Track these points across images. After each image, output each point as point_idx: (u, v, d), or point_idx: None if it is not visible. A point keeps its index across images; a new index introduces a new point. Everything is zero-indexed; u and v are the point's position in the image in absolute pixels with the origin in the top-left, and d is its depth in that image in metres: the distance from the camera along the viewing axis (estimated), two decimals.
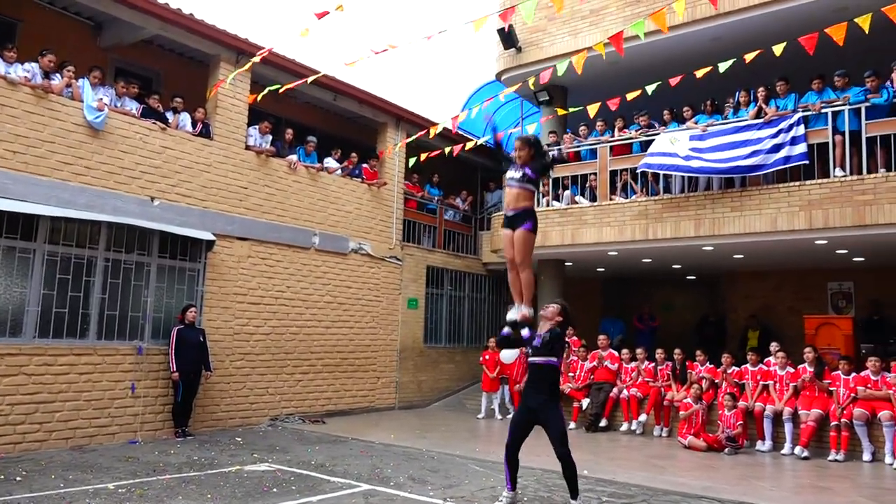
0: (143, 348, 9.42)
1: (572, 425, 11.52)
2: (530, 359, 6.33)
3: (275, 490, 6.68)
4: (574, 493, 6.04)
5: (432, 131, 12.14)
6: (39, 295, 8.50)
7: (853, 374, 9.42)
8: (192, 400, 9.77)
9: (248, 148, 11.18)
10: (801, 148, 9.98)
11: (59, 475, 7.00)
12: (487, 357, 12.89)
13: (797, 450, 9.30)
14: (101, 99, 9.29)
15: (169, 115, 10.28)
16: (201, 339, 9.80)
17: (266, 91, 10.84)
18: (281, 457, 8.42)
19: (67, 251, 8.80)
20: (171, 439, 9.44)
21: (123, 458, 7.97)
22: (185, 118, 10.45)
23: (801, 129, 10.05)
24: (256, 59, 10.08)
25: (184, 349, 9.54)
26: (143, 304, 9.57)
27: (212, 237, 10.27)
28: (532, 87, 12.52)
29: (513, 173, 6.35)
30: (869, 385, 9.22)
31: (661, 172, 11.32)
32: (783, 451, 9.52)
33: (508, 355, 12.42)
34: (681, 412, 10.12)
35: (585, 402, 11.51)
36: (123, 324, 9.32)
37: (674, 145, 11.06)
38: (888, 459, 8.76)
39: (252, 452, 8.65)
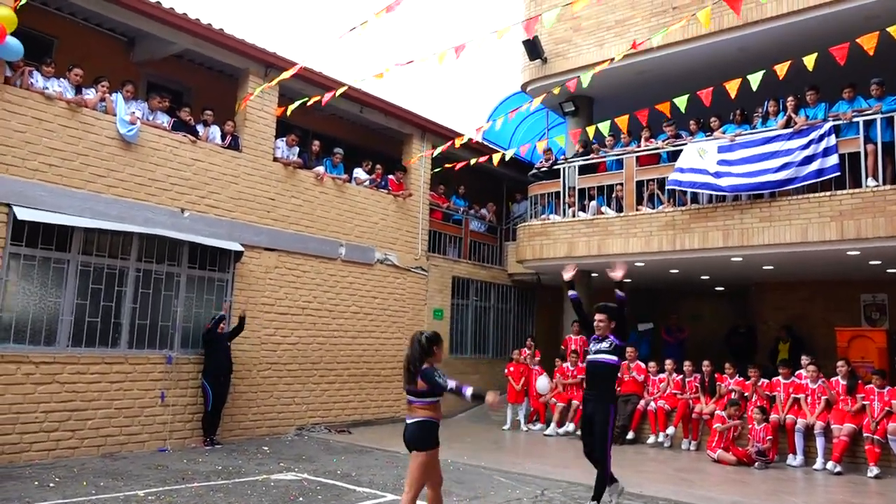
0: (173, 357, 9.56)
1: None
2: (589, 356, 6.67)
3: (301, 499, 6.72)
4: (595, 495, 6.39)
5: (458, 142, 12.22)
6: (73, 305, 8.68)
7: (888, 388, 9.23)
8: (221, 408, 9.88)
9: (275, 160, 11.33)
10: (833, 159, 9.82)
11: (91, 482, 7.12)
12: (512, 369, 12.85)
13: (829, 465, 9.11)
14: (134, 112, 9.50)
15: (199, 128, 10.47)
16: (229, 343, 9.95)
17: (295, 105, 10.99)
18: (307, 466, 8.47)
19: (100, 262, 8.98)
20: (199, 448, 9.55)
21: (153, 466, 8.09)
22: (215, 131, 10.63)
23: (832, 140, 9.89)
24: (287, 75, 10.23)
25: (214, 354, 9.70)
26: (173, 313, 9.72)
27: (240, 248, 10.40)
28: (556, 97, 12.55)
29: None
30: None
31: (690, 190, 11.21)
32: (815, 466, 9.33)
33: (543, 384, 12.62)
34: (716, 424, 9.92)
35: None
36: (154, 333, 9.48)
37: (702, 158, 10.95)
38: None
39: (279, 461, 8.71)
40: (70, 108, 8.82)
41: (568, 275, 7.13)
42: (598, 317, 6.63)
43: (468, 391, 4.88)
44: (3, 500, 6.18)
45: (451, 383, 4.90)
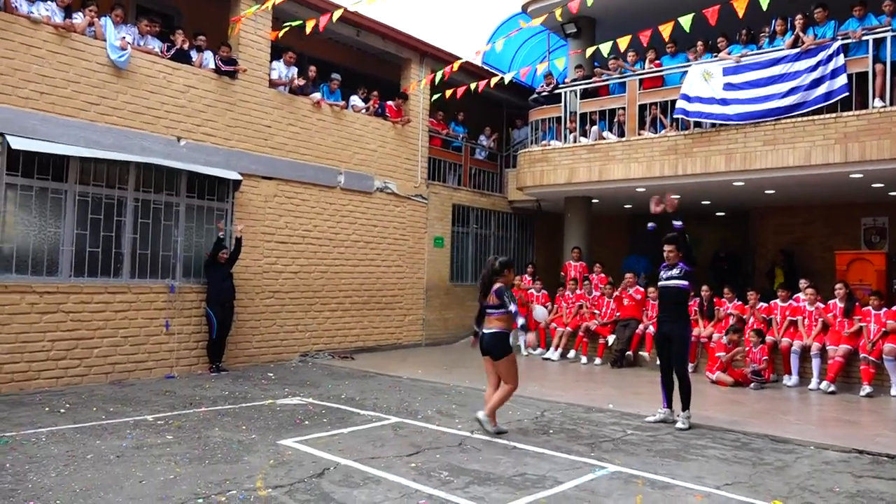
0: (175, 287, 9.62)
1: (598, 361, 11.63)
2: (660, 283, 7.22)
3: (307, 422, 6.87)
4: (684, 406, 7.05)
5: (456, 65, 11.93)
6: (73, 235, 8.67)
7: (884, 309, 9.32)
8: (225, 336, 10.01)
9: (272, 84, 11.09)
10: (841, 80, 9.61)
11: (101, 407, 7.27)
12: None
13: (824, 384, 9.28)
14: (124, 38, 9.24)
15: (192, 54, 10.20)
16: (231, 271, 10.01)
17: (287, 27, 10.67)
18: (312, 391, 8.64)
19: (98, 192, 8.92)
20: (205, 374, 9.72)
21: (161, 392, 8.25)
22: (209, 56, 10.37)
23: (840, 60, 9.66)
24: None
25: (217, 282, 9.77)
26: (174, 243, 9.71)
27: (238, 176, 10.31)
28: (559, 19, 12.20)
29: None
30: None
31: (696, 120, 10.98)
32: (810, 386, 9.52)
33: (541, 313, 12.81)
34: (720, 353, 9.96)
35: (611, 339, 11.57)
36: (155, 263, 9.50)
37: (707, 81, 10.71)
38: None
39: (284, 386, 8.89)
40: (58, 34, 8.58)
41: (674, 200, 7.49)
42: (667, 247, 7.22)
43: (520, 321, 6.29)
44: (16, 425, 6.32)
45: (513, 307, 6.25)
